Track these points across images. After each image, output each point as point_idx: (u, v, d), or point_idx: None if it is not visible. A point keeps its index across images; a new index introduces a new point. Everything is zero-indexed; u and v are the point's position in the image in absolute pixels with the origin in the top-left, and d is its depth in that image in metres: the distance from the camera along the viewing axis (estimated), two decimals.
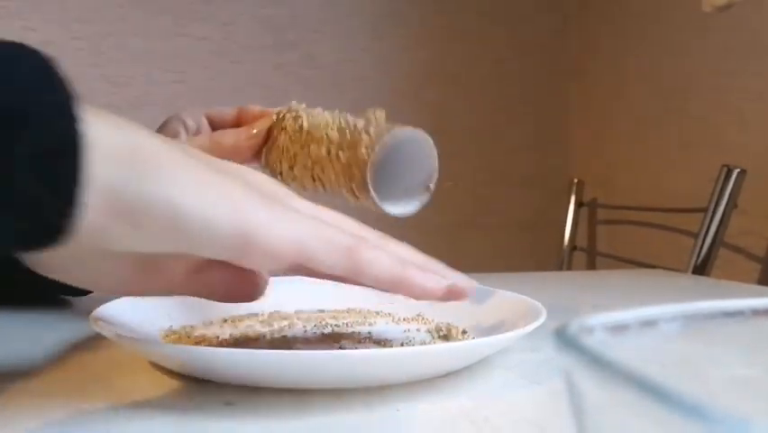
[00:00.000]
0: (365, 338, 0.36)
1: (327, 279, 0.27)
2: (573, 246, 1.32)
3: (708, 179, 1.00)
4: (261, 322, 0.40)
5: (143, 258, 0.26)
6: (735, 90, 1.18)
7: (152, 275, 0.27)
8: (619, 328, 0.14)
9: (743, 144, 1.15)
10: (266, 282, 0.30)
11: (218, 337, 0.36)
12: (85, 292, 0.46)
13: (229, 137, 0.44)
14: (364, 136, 0.39)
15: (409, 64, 1.62)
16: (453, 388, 0.29)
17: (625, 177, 1.49)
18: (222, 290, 0.29)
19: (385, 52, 1.60)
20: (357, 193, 0.40)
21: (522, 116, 1.70)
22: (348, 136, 0.40)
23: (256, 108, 0.46)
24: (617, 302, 0.55)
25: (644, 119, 1.43)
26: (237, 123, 0.47)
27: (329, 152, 0.40)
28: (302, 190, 0.43)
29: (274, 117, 0.44)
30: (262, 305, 0.37)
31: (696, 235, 0.99)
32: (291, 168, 0.43)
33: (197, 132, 0.46)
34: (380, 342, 0.36)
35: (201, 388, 0.28)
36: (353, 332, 0.38)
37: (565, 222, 1.33)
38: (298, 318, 0.41)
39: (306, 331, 0.38)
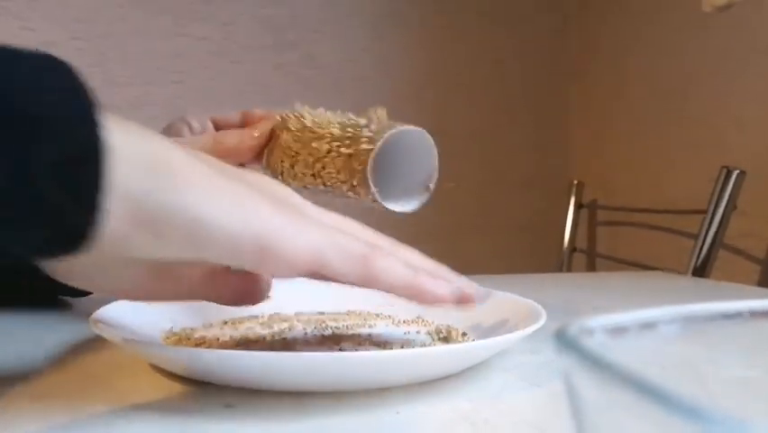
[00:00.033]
0: (365, 340, 0.36)
1: (341, 283, 0.27)
2: (573, 248, 1.32)
3: (708, 181, 1.00)
4: (262, 324, 0.40)
5: (160, 265, 0.26)
6: (734, 91, 1.18)
7: (167, 281, 0.28)
8: (619, 330, 0.14)
9: (742, 146, 1.15)
10: (269, 285, 0.31)
11: (218, 339, 0.36)
12: (84, 293, 0.46)
13: (232, 137, 0.45)
14: (366, 131, 0.40)
15: (409, 65, 1.62)
16: (453, 390, 0.29)
17: (625, 178, 1.49)
18: (229, 293, 0.30)
19: (385, 53, 1.61)
20: (358, 188, 0.40)
21: (522, 118, 1.70)
22: (350, 132, 0.40)
23: (259, 112, 0.47)
24: (616, 304, 0.55)
25: (644, 120, 1.43)
26: (241, 126, 0.47)
27: (331, 148, 0.41)
28: (302, 190, 0.43)
29: (278, 118, 0.45)
30: (262, 307, 0.37)
31: (696, 237, 0.99)
32: (292, 166, 0.43)
33: (202, 133, 0.46)
34: (380, 344, 0.36)
35: (201, 390, 0.28)
36: (353, 334, 0.38)
37: (565, 223, 1.33)
38: (298, 320, 0.41)
39: (306, 333, 0.38)
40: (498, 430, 0.24)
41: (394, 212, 0.41)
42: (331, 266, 0.25)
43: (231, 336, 0.37)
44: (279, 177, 0.44)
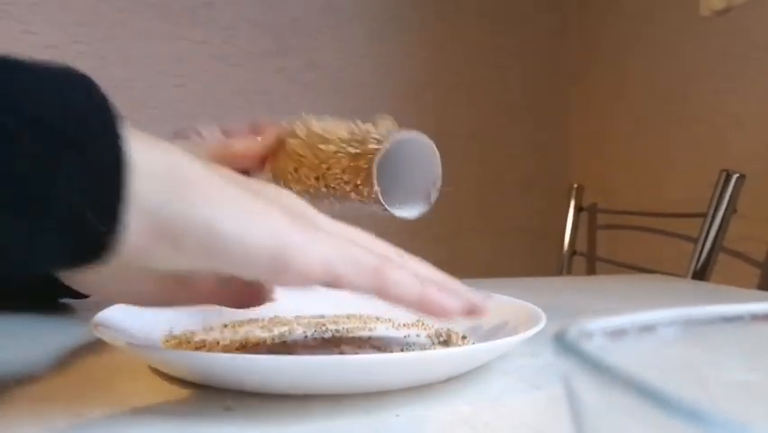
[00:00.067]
0: (365, 343, 0.36)
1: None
2: (573, 251, 1.32)
3: (708, 184, 1.01)
4: (262, 327, 0.40)
5: (176, 274, 0.27)
6: (734, 94, 1.18)
7: (182, 290, 0.28)
8: (619, 333, 0.14)
9: (742, 149, 1.15)
10: (272, 288, 0.31)
11: (219, 343, 0.36)
12: (85, 295, 0.46)
13: (239, 143, 0.45)
14: (374, 134, 0.40)
15: (410, 67, 1.62)
16: (453, 393, 0.29)
17: (624, 180, 1.49)
18: (237, 298, 0.30)
19: (386, 56, 1.61)
20: (361, 188, 0.40)
21: (522, 119, 1.70)
22: (358, 135, 0.41)
23: (266, 121, 0.47)
24: (616, 307, 0.55)
25: (644, 124, 1.43)
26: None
27: (338, 150, 0.41)
28: (304, 194, 0.43)
29: (285, 126, 0.45)
30: (262, 310, 0.37)
31: (695, 240, 0.99)
32: (296, 170, 0.43)
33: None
34: (380, 347, 0.36)
35: (201, 393, 0.28)
36: (354, 337, 0.38)
37: (565, 227, 1.33)
38: (298, 324, 0.41)
39: (306, 336, 0.38)
40: None
41: (393, 217, 0.41)
42: (343, 278, 0.26)
43: (231, 340, 0.37)
44: (282, 183, 0.44)
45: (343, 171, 0.40)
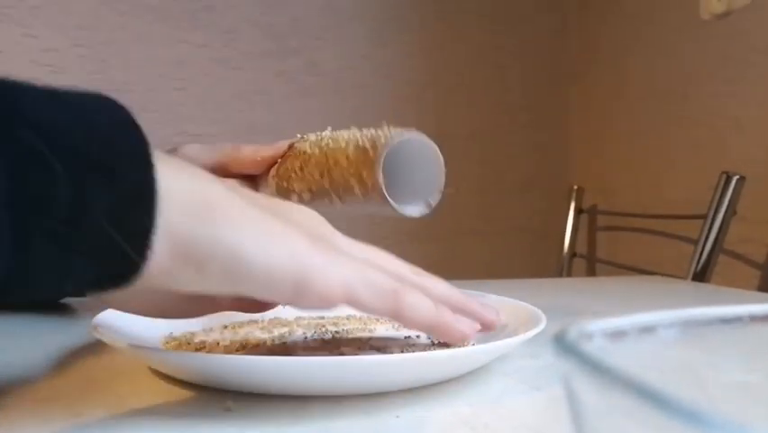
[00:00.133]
0: (365, 345, 0.36)
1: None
2: (573, 253, 1.32)
3: (708, 186, 1.01)
4: (262, 329, 0.40)
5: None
6: (734, 97, 1.18)
7: (203, 305, 0.29)
8: (618, 335, 0.14)
9: (742, 151, 1.15)
10: None
11: (219, 344, 0.36)
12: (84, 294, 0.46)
13: (248, 148, 0.46)
14: (384, 131, 0.40)
15: (410, 68, 1.62)
16: (453, 394, 0.29)
17: (625, 184, 1.49)
18: (247, 304, 0.31)
19: (386, 58, 1.61)
20: (366, 180, 0.40)
21: (522, 120, 1.70)
22: (368, 132, 0.41)
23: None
24: (616, 309, 0.55)
25: (644, 125, 1.43)
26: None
27: (347, 143, 0.41)
28: (307, 192, 0.43)
29: (298, 136, 0.45)
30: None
31: (696, 242, 0.99)
32: (302, 168, 0.43)
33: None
34: (381, 348, 0.36)
35: (201, 394, 0.28)
36: (354, 338, 0.38)
37: (565, 228, 1.33)
38: (298, 325, 0.41)
39: (306, 337, 0.38)
40: None
41: (392, 218, 0.41)
42: (361, 301, 0.26)
43: (231, 341, 0.37)
44: (285, 183, 0.44)
45: (350, 163, 0.40)
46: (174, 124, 1.42)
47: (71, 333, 0.40)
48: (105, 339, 0.30)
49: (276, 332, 0.39)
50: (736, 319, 0.15)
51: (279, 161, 0.46)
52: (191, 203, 0.23)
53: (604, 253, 1.37)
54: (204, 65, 1.49)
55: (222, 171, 0.45)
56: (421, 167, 0.42)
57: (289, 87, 1.53)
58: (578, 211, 1.33)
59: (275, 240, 0.24)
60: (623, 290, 0.69)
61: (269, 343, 0.37)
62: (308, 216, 0.29)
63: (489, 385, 0.30)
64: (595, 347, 0.13)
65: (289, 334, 0.39)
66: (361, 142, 0.40)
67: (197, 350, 0.34)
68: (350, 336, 0.39)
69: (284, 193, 0.44)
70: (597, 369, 0.11)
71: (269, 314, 0.42)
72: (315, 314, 0.43)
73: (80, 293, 0.23)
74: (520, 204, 1.69)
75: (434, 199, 0.42)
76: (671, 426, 0.09)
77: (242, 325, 0.40)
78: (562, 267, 1.32)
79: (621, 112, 1.52)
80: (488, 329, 0.31)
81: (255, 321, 0.41)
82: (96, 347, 0.36)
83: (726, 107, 1.20)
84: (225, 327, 0.40)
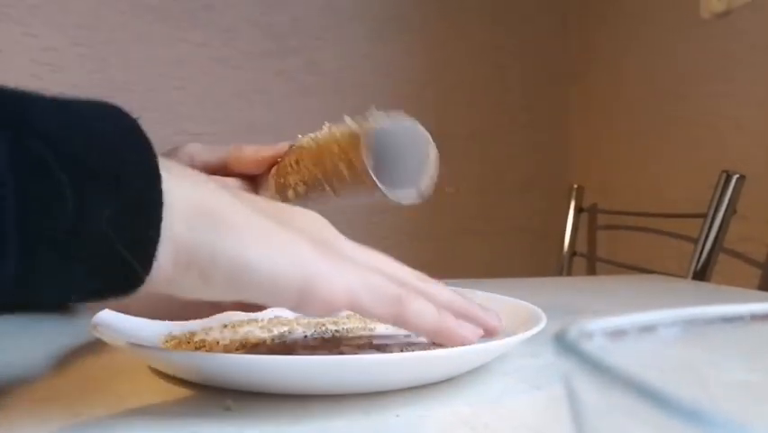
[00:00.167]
0: (365, 344, 0.36)
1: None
2: (573, 252, 1.32)
3: (708, 185, 1.00)
4: (261, 328, 0.40)
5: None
6: (734, 95, 1.18)
7: (204, 308, 0.29)
8: (619, 334, 0.14)
9: (742, 150, 1.15)
10: None
11: (218, 343, 0.36)
12: None
13: (250, 148, 0.46)
14: (372, 114, 0.40)
15: (410, 68, 1.62)
16: (453, 393, 0.29)
17: (624, 180, 1.49)
18: (248, 304, 0.31)
19: (386, 57, 1.61)
20: (354, 162, 0.39)
21: (522, 119, 1.70)
22: (359, 117, 0.41)
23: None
24: (616, 308, 0.55)
25: (644, 124, 1.43)
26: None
27: (338, 129, 0.41)
28: (302, 184, 0.43)
29: (299, 137, 0.45)
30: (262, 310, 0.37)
31: (696, 241, 0.99)
32: (297, 162, 0.43)
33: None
34: (380, 347, 0.36)
35: (201, 393, 0.28)
36: (353, 337, 0.38)
37: (565, 227, 1.33)
38: (298, 324, 0.41)
39: (306, 336, 0.38)
40: None
41: (384, 201, 0.41)
42: (365, 307, 0.26)
43: (231, 340, 0.37)
44: (283, 180, 0.44)
45: (340, 149, 0.40)
46: (173, 123, 1.42)
47: (71, 332, 0.40)
48: (104, 338, 0.30)
49: (276, 331, 0.39)
50: (737, 318, 0.15)
51: (279, 160, 0.46)
52: (194, 211, 0.23)
53: (604, 252, 1.37)
54: (203, 64, 1.49)
55: (223, 171, 0.45)
56: (413, 155, 0.42)
57: (289, 86, 1.53)
58: (578, 210, 1.33)
59: (279, 247, 0.24)
60: (623, 289, 0.69)
61: (268, 342, 0.37)
62: (312, 221, 0.30)
63: (489, 385, 0.30)
64: (595, 346, 0.13)
65: (289, 333, 0.39)
66: (350, 128, 0.40)
67: (197, 349, 0.34)
68: (350, 334, 0.39)
69: (282, 189, 0.44)
70: (597, 368, 0.11)
71: (268, 313, 0.42)
72: None
73: (83, 300, 0.23)
74: (520, 204, 1.69)
75: (426, 186, 0.42)
76: (671, 425, 0.09)
77: (241, 324, 0.40)
78: (562, 266, 1.32)
79: (621, 111, 1.52)
80: (490, 335, 0.32)
81: (255, 320, 0.41)
82: (95, 346, 0.36)
83: (726, 106, 1.20)
84: (225, 325, 0.40)
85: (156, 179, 0.22)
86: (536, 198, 1.69)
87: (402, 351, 0.34)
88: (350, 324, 0.41)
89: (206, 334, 0.38)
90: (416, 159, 0.42)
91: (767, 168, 1.09)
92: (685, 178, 1.29)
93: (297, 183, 0.43)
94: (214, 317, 0.39)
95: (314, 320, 0.42)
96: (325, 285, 0.25)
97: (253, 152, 0.46)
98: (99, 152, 0.21)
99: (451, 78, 1.65)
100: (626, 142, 1.50)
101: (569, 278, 1.19)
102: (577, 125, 1.70)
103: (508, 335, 0.32)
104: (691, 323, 0.15)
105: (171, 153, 0.44)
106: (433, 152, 0.41)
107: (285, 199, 0.44)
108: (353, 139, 0.40)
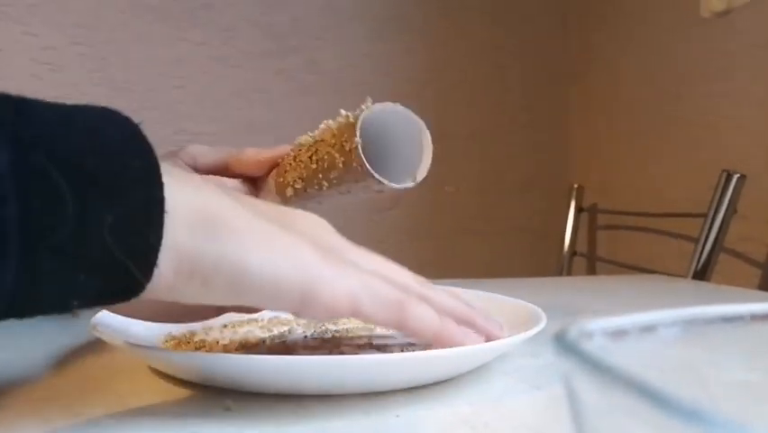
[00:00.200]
0: (365, 344, 0.36)
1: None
2: (573, 252, 1.32)
3: (708, 185, 1.00)
4: (261, 328, 0.40)
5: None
6: (734, 95, 1.18)
7: (204, 311, 0.29)
8: (619, 333, 0.14)
9: (742, 150, 1.15)
10: None
11: (218, 343, 0.36)
12: None
13: (250, 150, 0.46)
14: (366, 103, 0.40)
15: (410, 67, 1.62)
16: (453, 393, 0.29)
17: (625, 182, 1.49)
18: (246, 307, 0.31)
19: (386, 56, 1.61)
20: (346, 147, 0.39)
21: (522, 119, 1.70)
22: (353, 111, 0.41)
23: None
24: (616, 307, 0.55)
25: (644, 124, 1.43)
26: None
27: (333, 122, 0.41)
28: (298, 180, 0.43)
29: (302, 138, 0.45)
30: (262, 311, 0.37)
31: (696, 241, 0.99)
32: (295, 158, 0.43)
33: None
34: (381, 347, 0.36)
35: (201, 393, 0.28)
36: (353, 337, 0.38)
37: (565, 227, 1.33)
38: (298, 324, 0.41)
39: (306, 336, 0.38)
40: None
41: (378, 188, 0.41)
42: (366, 312, 0.26)
43: (231, 340, 0.37)
44: (281, 179, 0.44)
45: (333, 137, 0.40)
46: (173, 123, 1.42)
47: (71, 332, 0.40)
48: (104, 338, 0.30)
49: (275, 331, 0.39)
50: (737, 318, 0.15)
51: (279, 161, 0.46)
52: (196, 217, 0.23)
53: (604, 251, 1.37)
54: (203, 63, 1.49)
55: (224, 172, 0.45)
56: (407, 143, 0.41)
57: (289, 85, 1.53)
58: (578, 210, 1.33)
59: (281, 251, 0.24)
60: (623, 289, 0.69)
61: (268, 342, 0.37)
62: (314, 224, 0.30)
63: (490, 384, 0.30)
64: (595, 346, 0.13)
65: (289, 333, 0.39)
66: (346, 115, 0.41)
67: (197, 349, 0.34)
68: (350, 334, 0.39)
69: (281, 188, 0.44)
70: (597, 368, 0.11)
71: (268, 313, 0.42)
72: None
73: (84, 306, 0.23)
74: (520, 203, 1.69)
75: (419, 172, 0.41)
76: (671, 425, 0.09)
77: (241, 324, 0.40)
78: (562, 266, 1.32)
79: (621, 111, 1.52)
80: (491, 340, 0.32)
81: (255, 320, 0.41)
82: (95, 346, 0.36)
83: (726, 106, 1.20)
84: (225, 325, 0.40)
85: (158, 185, 0.22)
86: (536, 198, 1.68)
87: (402, 351, 0.34)
88: (350, 324, 0.41)
89: (206, 334, 0.38)
90: (411, 147, 0.42)
91: (767, 168, 1.09)
92: (685, 178, 1.29)
93: (295, 180, 0.43)
94: None
95: (313, 320, 0.42)
96: (328, 290, 0.25)
97: (254, 154, 0.46)
98: (101, 159, 0.21)
99: (451, 78, 1.65)
100: (625, 142, 1.50)
101: (569, 278, 1.19)
102: (577, 125, 1.70)
103: (509, 334, 0.32)
104: (691, 323, 0.15)
105: (174, 154, 0.44)
106: (426, 139, 0.41)
107: (284, 198, 0.44)
108: (346, 127, 0.40)
